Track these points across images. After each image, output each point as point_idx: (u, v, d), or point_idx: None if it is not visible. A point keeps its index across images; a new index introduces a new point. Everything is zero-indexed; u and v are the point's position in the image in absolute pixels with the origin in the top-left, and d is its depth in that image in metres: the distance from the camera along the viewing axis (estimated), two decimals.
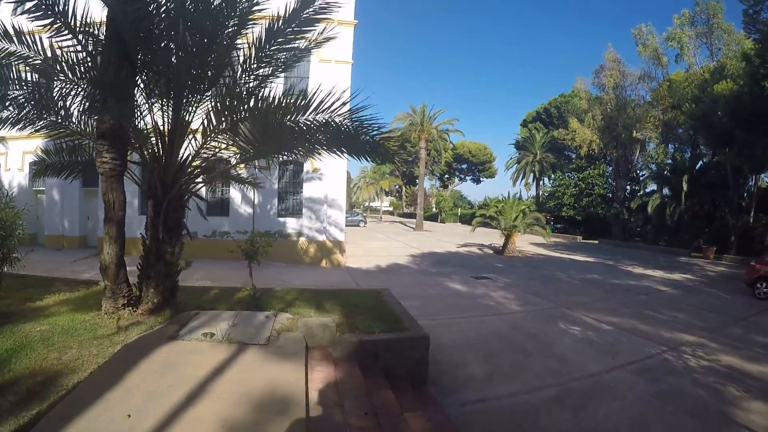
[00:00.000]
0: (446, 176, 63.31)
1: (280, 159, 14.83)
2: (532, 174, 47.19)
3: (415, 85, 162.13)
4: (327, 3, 5.97)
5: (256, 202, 15.22)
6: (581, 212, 36.01)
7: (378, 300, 6.56)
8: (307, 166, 15.29)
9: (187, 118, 5.97)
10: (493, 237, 24.87)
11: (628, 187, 33.65)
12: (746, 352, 7.01)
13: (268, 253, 7.74)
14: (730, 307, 10.82)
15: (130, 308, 5.65)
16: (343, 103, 5.52)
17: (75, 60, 5.19)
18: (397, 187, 69.10)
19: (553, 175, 43.79)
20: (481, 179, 64.14)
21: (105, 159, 5.48)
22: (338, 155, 6.26)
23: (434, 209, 59.29)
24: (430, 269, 15.14)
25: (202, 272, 11.57)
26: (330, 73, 15.09)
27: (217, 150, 6.51)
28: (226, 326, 5.06)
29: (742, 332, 8.36)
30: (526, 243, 26.46)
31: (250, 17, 5.76)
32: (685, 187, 24.36)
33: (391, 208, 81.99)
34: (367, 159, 6.63)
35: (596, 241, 31.79)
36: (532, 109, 52.08)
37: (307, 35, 6.48)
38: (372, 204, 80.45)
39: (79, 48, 5.30)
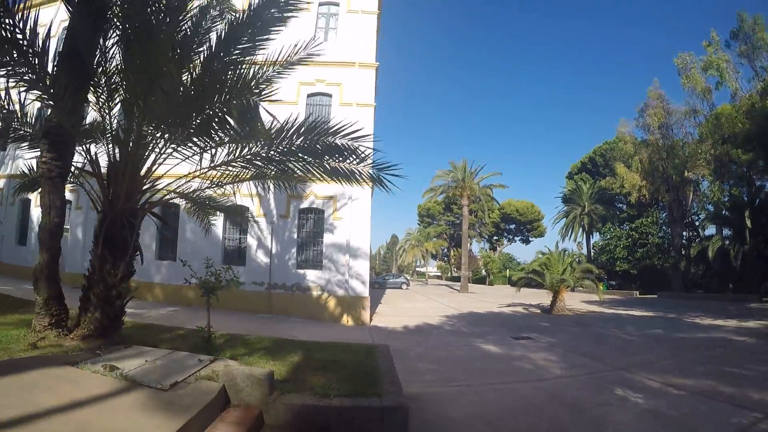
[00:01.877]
0: (495, 237, 61.12)
1: (300, 207, 14.56)
2: (581, 228, 44.35)
3: (454, 144, 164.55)
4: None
5: (273, 251, 14.50)
6: (636, 265, 32.78)
7: (366, 357, 5.17)
8: (329, 213, 14.59)
9: (144, 128, 5.26)
10: (541, 297, 22.46)
11: (684, 234, 30.57)
12: None
13: (231, 288, 6.75)
14: None
15: (60, 330, 5.01)
16: None
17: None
18: (445, 250, 67.42)
19: (603, 228, 40.86)
20: (530, 239, 61.03)
21: (45, 159, 5.05)
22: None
23: (482, 272, 56.73)
24: (463, 329, 13.35)
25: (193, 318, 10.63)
26: (351, 117, 14.79)
27: (170, 156, 5.95)
28: (140, 363, 4.11)
29: None
30: (576, 301, 24.22)
31: None
32: (748, 223, 21.46)
33: (439, 272, 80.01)
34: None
35: (654, 296, 28.39)
36: (576, 161, 50.64)
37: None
38: (420, 269, 79.11)
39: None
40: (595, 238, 43.58)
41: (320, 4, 16.36)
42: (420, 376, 7.00)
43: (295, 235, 14.64)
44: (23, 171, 7.40)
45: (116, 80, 5.61)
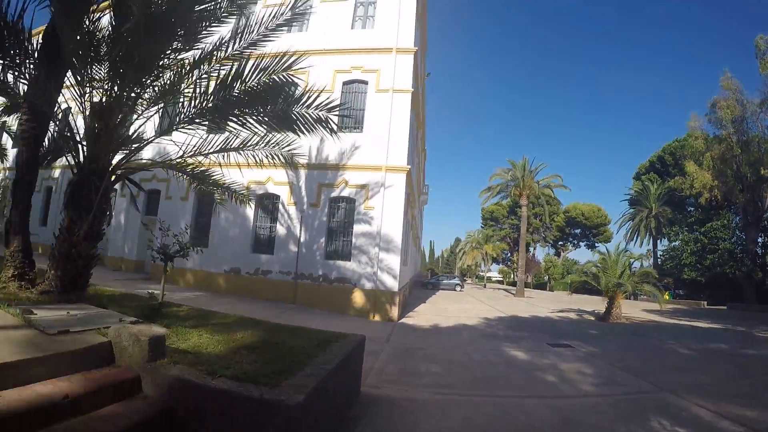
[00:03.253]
0: (560, 242, 57.95)
1: (331, 195, 14.08)
2: (647, 233, 40.67)
3: (519, 144, 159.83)
4: None
5: (302, 240, 14.13)
6: (704, 273, 29.15)
7: (318, 345, 4.20)
8: (360, 202, 13.97)
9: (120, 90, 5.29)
10: (599, 303, 20.62)
11: (759, 239, 26.86)
12: None
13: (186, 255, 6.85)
14: None
15: (23, 282, 5.02)
16: None
17: None
18: (508, 254, 64.76)
19: (670, 231, 37.23)
20: (596, 244, 57.06)
21: (22, 121, 5.34)
22: None
23: (544, 277, 53.70)
24: (498, 333, 12.15)
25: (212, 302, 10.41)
26: (386, 103, 14.20)
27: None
28: (62, 315, 3.92)
29: None
30: (637, 309, 21.98)
31: None
32: None
33: (501, 277, 77.49)
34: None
35: (724, 307, 25.18)
36: (645, 160, 46.25)
37: None
38: (483, 272, 77.18)
39: None
40: (664, 243, 39.90)
41: None
42: (415, 378, 6.10)
43: (325, 225, 14.14)
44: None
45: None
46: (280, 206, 14.64)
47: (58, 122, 5.85)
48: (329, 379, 3.34)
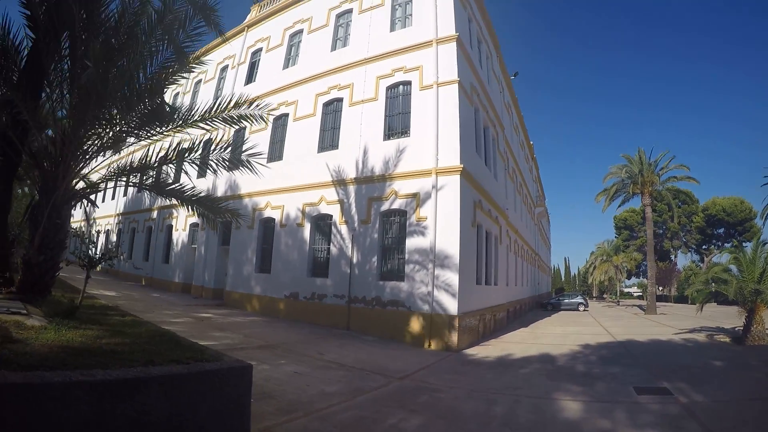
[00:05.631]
0: (704, 246, 47.74)
1: (381, 209, 12.80)
2: None
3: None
4: None
5: (354, 261, 12.99)
6: None
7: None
8: (411, 213, 12.38)
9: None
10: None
11: None
12: None
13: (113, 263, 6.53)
14: None
15: None
16: None
17: None
18: (645, 266, 55.28)
19: None
20: (744, 243, 45.25)
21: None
22: None
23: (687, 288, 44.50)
24: (576, 368, 9.14)
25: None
26: (432, 99, 12.68)
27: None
28: None
29: None
30: None
31: None
32: None
33: (640, 291, 67.02)
34: None
35: None
36: None
37: None
38: (626, 288, 67.67)
39: None
40: None
41: None
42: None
43: (377, 242, 12.85)
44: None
45: None
46: (333, 226, 13.88)
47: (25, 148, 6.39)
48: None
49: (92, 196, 7.39)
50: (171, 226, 20.26)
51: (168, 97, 21.63)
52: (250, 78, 19.13)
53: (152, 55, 6.83)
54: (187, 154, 7.63)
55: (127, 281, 21.87)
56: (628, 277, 60.72)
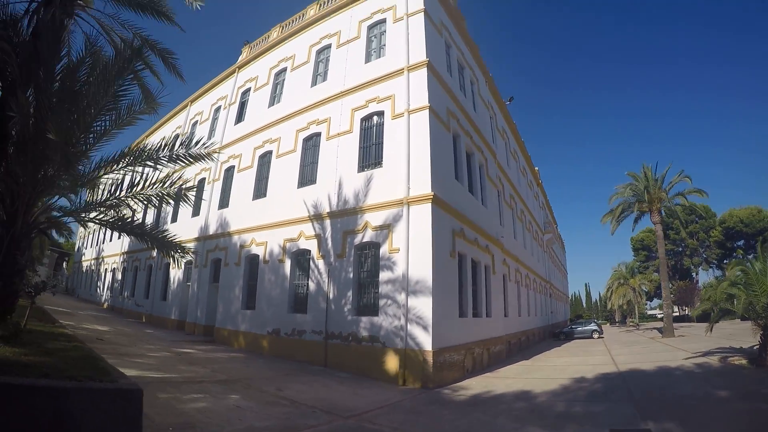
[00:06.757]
0: (725, 261, 45.20)
1: (355, 242, 12.59)
2: None
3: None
4: None
5: (330, 296, 12.73)
6: None
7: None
8: (383, 244, 12.11)
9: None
10: None
11: None
12: None
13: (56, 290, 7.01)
14: None
15: None
16: None
17: None
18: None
19: None
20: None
21: None
22: None
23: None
24: (557, 406, 8.36)
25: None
26: (403, 127, 12.64)
27: None
28: None
29: None
30: None
31: None
32: None
33: (661, 313, 63.26)
34: None
35: None
36: None
37: None
38: (650, 311, 64.26)
39: None
40: None
41: (368, 28, 15.31)
42: None
43: (352, 277, 12.57)
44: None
45: None
46: (311, 261, 13.75)
47: None
48: None
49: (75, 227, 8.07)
50: (168, 264, 20.58)
51: (166, 133, 22.47)
52: (239, 117, 19.66)
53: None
54: (130, 190, 8.15)
55: (128, 318, 22.24)
56: (650, 299, 57.60)
